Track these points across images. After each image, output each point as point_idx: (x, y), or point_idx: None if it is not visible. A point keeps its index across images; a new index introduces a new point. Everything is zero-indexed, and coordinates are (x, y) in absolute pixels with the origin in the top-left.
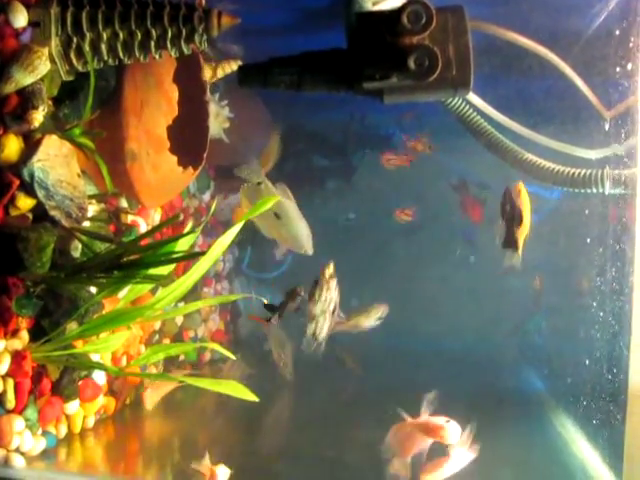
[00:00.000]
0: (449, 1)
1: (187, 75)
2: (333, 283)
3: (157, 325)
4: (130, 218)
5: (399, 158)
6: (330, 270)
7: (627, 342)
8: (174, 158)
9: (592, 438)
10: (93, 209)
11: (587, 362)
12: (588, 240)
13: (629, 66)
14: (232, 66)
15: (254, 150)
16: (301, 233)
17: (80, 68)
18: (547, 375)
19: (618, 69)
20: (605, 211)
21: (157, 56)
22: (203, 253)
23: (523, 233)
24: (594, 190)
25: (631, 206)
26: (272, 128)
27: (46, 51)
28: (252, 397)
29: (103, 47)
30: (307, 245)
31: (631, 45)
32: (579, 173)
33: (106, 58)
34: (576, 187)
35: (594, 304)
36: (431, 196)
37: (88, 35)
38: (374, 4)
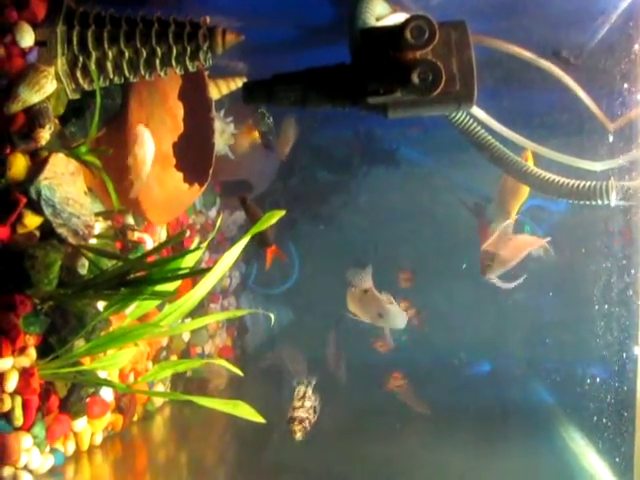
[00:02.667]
0: (452, 16)
1: (192, 92)
2: (309, 391)
3: (164, 342)
4: (136, 235)
5: None
6: (300, 393)
7: (635, 354)
8: (180, 175)
9: (601, 451)
10: (100, 226)
11: (595, 374)
12: (593, 251)
13: (632, 78)
14: (237, 83)
15: (259, 168)
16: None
17: (86, 87)
18: (556, 388)
19: (621, 81)
20: (611, 223)
21: (162, 74)
22: (209, 269)
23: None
24: (599, 202)
25: (637, 217)
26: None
27: (52, 70)
28: (259, 418)
29: (109, 65)
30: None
31: (633, 57)
32: (584, 185)
33: (112, 76)
34: (581, 199)
35: (601, 316)
36: (436, 208)
37: (94, 54)
38: (378, 20)
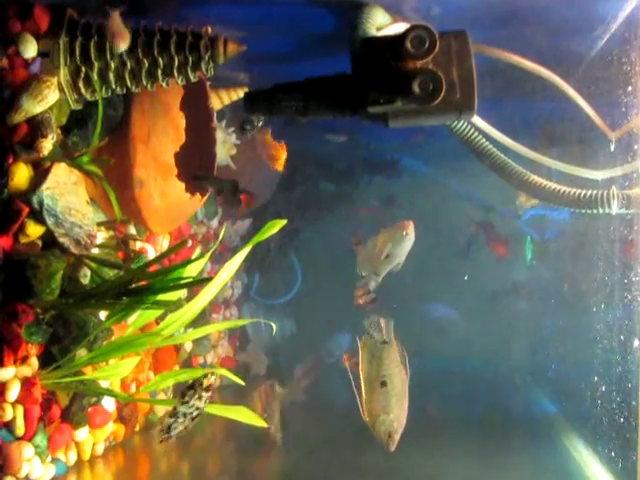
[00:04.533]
0: (452, 25)
1: (194, 102)
2: (206, 395)
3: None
4: (138, 245)
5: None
6: (209, 381)
7: (638, 361)
8: (182, 185)
9: (605, 460)
10: (102, 236)
11: (598, 383)
12: (596, 260)
13: (632, 87)
14: (238, 93)
15: (261, 178)
16: None
17: (88, 97)
18: (558, 396)
19: (622, 90)
20: (612, 231)
21: (164, 84)
22: (211, 279)
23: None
24: (601, 211)
25: (638, 226)
26: None
27: (55, 81)
28: (262, 423)
29: (111, 76)
30: None
31: (634, 66)
32: (585, 194)
33: (114, 87)
34: (583, 208)
35: (603, 324)
36: (438, 217)
37: (96, 64)
38: (378, 29)
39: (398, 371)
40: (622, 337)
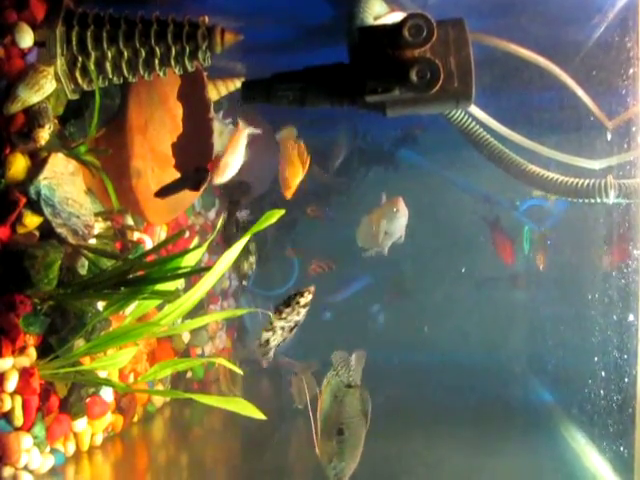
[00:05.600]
0: (449, 14)
1: (191, 92)
2: (304, 311)
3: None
4: (136, 235)
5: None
6: (306, 299)
7: (635, 352)
8: (179, 175)
9: (602, 449)
10: (99, 226)
11: (595, 373)
12: (594, 249)
13: (630, 76)
14: (236, 83)
15: (258, 169)
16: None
17: (85, 87)
18: (556, 387)
19: (619, 79)
20: (610, 221)
21: (161, 74)
22: (209, 268)
23: None
24: (598, 200)
25: (636, 215)
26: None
27: (52, 70)
28: (259, 415)
29: (108, 66)
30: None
31: (631, 55)
32: (583, 183)
33: (111, 76)
34: (580, 197)
35: (601, 313)
36: (436, 208)
37: (93, 54)
38: (376, 18)
39: (358, 420)
40: (619, 327)
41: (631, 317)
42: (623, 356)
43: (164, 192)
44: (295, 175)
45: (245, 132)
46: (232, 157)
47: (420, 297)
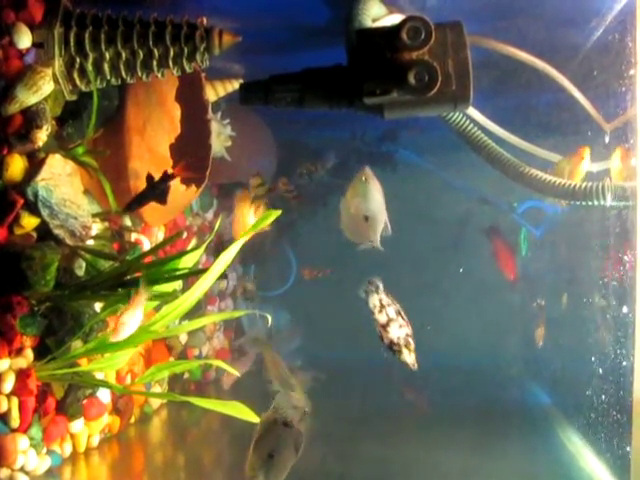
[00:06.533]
0: (447, 17)
1: (189, 94)
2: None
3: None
4: (134, 236)
5: None
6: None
7: (631, 354)
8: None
9: (599, 451)
10: (97, 227)
11: (592, 374)
12: (590, 252)
13: (627, 78)
14: (234, 85)
15: (256, 169)
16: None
17: (83, 88)
18: (553, 388)
19: (617, 81)
20: (607, 223)
21: (159, 75)
22: (206, 270)
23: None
24: (595, 202)
25: (633, 217)
26: (274, 146)
27: (50, 71)
28: (254, 418)
29: (106, 67)
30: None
31: (628, 57)
32: (580, 186)
33: (109, 77)
34: (577, 200)
35: (597, 316)
36: (433, 209)
37: (91, 55)
38: (374, 21)
39: (289, 452)
40: (616, 330)
41: (626, 310)
42: (619, 357)
43: (132, 207)
44: (242, 230)
45: (143, 297)
46: (129, 317)
47: (417, 298)
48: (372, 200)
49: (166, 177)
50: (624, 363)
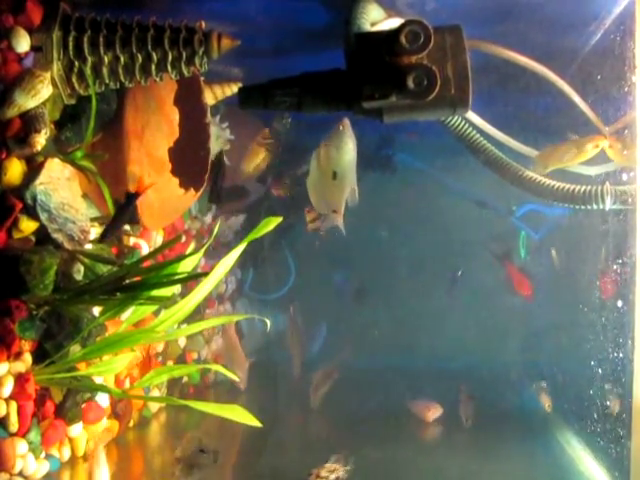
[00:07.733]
0: (446, 21)
1: (188, 97)
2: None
3: (160, 347)
4: (132, 240)
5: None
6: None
7: (630, 358)
8: (176, 180)
9: (598, 455)
10: (95, 231)
11: (591, 379)
12: (589, 256)
13: (626, 82)
14: (232, 88)
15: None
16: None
17: (82, 92)
18: (552, 392)
19: (616, 85)
20: (606, 227)
21: (158, 79)
22: (206, 274)
23: None
24: (594, 206)
25: (632, 221)
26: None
27: (48, 75)
28: (255, 422)
29: (104, 71)
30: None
31: (628, 62)
32: (579, 190)
33: (107, 81)
34: (576, 204)
35: (597, 320)
36: (432, 213)
37: (90, 59)
38: (373, 25)
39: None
40: (615, 333)
41: (625, 311)
42: (618, 361)
43: (106, 236)
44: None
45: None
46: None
47: (415, 302)
48: (344, 153)
49: (130, 198)
50: (623, 366)
